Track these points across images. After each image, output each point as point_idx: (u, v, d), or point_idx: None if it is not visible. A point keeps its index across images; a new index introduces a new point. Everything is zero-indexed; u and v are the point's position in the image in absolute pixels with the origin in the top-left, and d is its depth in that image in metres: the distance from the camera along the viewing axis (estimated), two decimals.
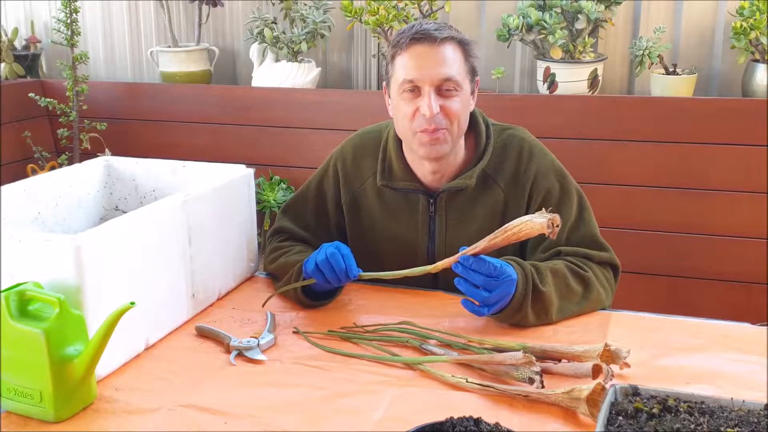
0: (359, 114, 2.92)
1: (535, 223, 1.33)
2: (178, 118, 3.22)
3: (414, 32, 1.53)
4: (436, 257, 1.65)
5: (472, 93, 1.61)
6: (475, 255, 1.41)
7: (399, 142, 1.66)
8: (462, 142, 1.63)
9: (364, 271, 1.51)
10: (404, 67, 1.54)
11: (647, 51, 2.69)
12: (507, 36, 2.83)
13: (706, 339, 1.44)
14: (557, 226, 1.33)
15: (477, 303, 1.43)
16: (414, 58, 1.53)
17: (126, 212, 1.52)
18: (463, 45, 1.56)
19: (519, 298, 1.44)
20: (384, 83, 1.65)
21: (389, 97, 1.63)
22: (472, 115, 1.65)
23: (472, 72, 1.59)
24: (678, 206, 2.68)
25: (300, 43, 3.02)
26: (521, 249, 1.66)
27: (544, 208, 1.35)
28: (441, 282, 1.69)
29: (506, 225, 1.38)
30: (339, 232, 1.76)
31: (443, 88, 1.53)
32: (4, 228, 1.41)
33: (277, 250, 1.71)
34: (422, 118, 1.53)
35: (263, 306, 1.58)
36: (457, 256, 1.42)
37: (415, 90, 1.53)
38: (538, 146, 1.67)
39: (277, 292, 1.61)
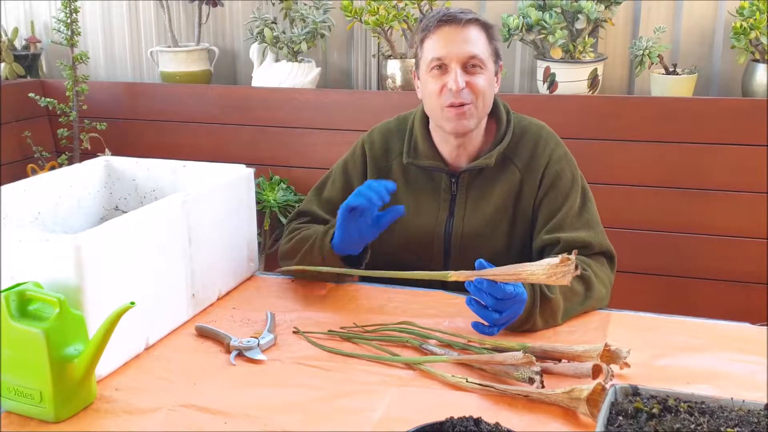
0: (359, 114, 2.92)
1: (558, 279, 1.28)
2: (178, 118, 3.22)
3: (441, 15, 1.65)
4: (453, 233, 1.72)
5: (496, 75, 1.70)
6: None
7: (426, 122, 1.75)
8: (484, 123, 1.71)
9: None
10: (432, 47, 1.64)
11: (647, 51, 2.69)
12: (507, 36, 2.82)
13: (706, 339, 1.44)
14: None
15: (486, 324, 1.42)
16: (442, 38, 1.63)
17: (126, 212, 1.52)
18: (487, 28, 1.66)
19: (527, 310, 1.44)
20: (413, 69, 1.75)
21: (418, 78, 1.72)
22: (495, 102, 1.73)
23: (496, 54, 1.69)
24: (678, 206, 2.68)
25: (300, 43, 3.02)
26: (530, 233, 1.72)
27: (563, 256, 1.30)
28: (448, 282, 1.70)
29: (530, 266, 1.32)
30: None
31: (469, 65, 1.62)
32: (4, 228, 1.41)
33: (297, 229, 1.75)
34: (449, 92, 1.61)
35: (281, 270, 1.69)
36: (471, 273, 1.39)
37: (443, 67, 1.63)
38: (556, 136, 1.77)
39: (296, 266, 1.65)
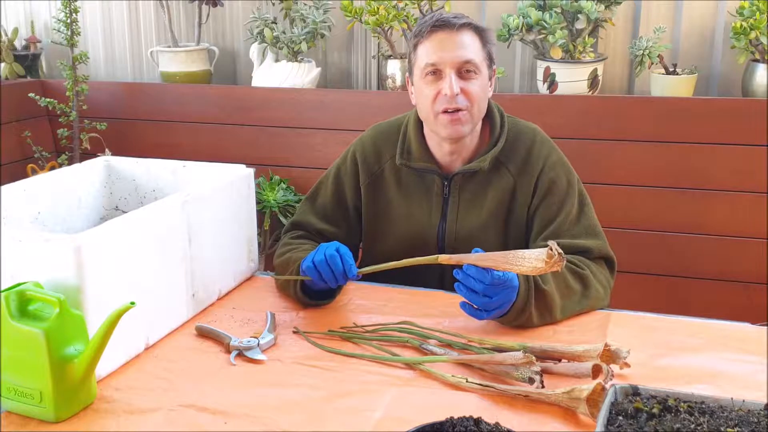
0: (359, 114, 2.92)
1: (538, 268, 1.31)
2: (178, 118, 3.22)
3: (434, 21, 1.63)
4: (446, 236, 1.72)
5: (490, 79, 1.68)
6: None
7: (420, 125, 1.74)
8: (479, 128, 1.71)
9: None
10: (426, 52, 1.63)
11: (647, 51, 2.69)
12: (507, 36, 2.82)
13: (706, 339, 1.44)
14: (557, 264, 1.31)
15: (475, 306, 1.44)
16: (435, 44, 1.62)
17: (126, 212, 1.52)
18: (480, 32, 1.65)
19: (522, 299, 1.44)
20: (407, 74, 1.73)
21: (412, 84, 1.71)
22: (489, 105, 1.71)
23: (490, 58, 1.67)
24: (678, 206, 2.68)
25: (300, 43, 3.02)
26: (525, 239, 1.71)
27: (547, 251, 1.31)
28: (447, 282, 1.69)
29: (514, 252, 1.35)
30: (356, 214, 1.80)
31: (463, 71, 1.61)
32: (4, 228, 1.41)
33: (287, 245, 1.74)
34: (444, 98, 1.60)
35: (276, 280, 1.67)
36: (461, 257, 1.42)
37: (437, 73, 1.62)
38: (550, 141, 1.76)
39: (277, 278, 1.66)
